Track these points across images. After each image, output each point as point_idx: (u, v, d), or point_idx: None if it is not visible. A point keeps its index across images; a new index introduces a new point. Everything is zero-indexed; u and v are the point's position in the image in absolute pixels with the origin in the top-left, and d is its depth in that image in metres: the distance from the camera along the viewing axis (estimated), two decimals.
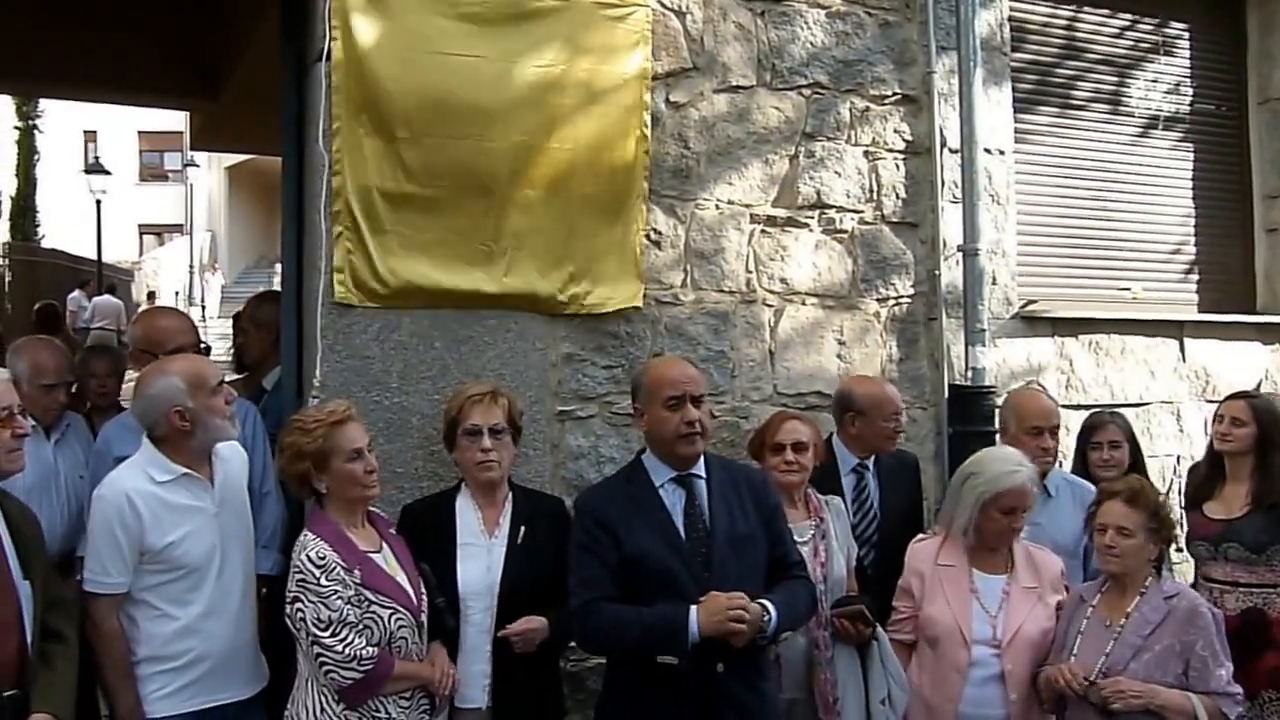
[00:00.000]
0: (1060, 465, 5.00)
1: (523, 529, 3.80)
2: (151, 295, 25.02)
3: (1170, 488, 6.00)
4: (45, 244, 27.28)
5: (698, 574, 3.40)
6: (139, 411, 3.57)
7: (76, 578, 3.60)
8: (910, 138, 5.60)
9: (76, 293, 21.97)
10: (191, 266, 32.64)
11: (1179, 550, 4.79)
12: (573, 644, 4.00)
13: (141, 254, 35.34)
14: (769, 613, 3.34)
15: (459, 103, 4.42)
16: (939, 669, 3.92)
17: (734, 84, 5.14)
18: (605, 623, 3.40)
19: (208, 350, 4.48)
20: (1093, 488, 4.47)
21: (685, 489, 3.53)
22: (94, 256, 24.47)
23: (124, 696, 3.42)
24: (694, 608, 3.29)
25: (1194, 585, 4.59)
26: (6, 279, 21.45)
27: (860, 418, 4.53)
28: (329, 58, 4.23)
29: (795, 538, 3.84)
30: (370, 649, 3.29)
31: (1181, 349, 6.51)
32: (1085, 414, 5.22)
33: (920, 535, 4.27)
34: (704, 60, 5.07)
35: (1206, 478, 4.79)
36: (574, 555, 3.51)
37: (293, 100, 4.59)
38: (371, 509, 3.62)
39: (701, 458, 3.58)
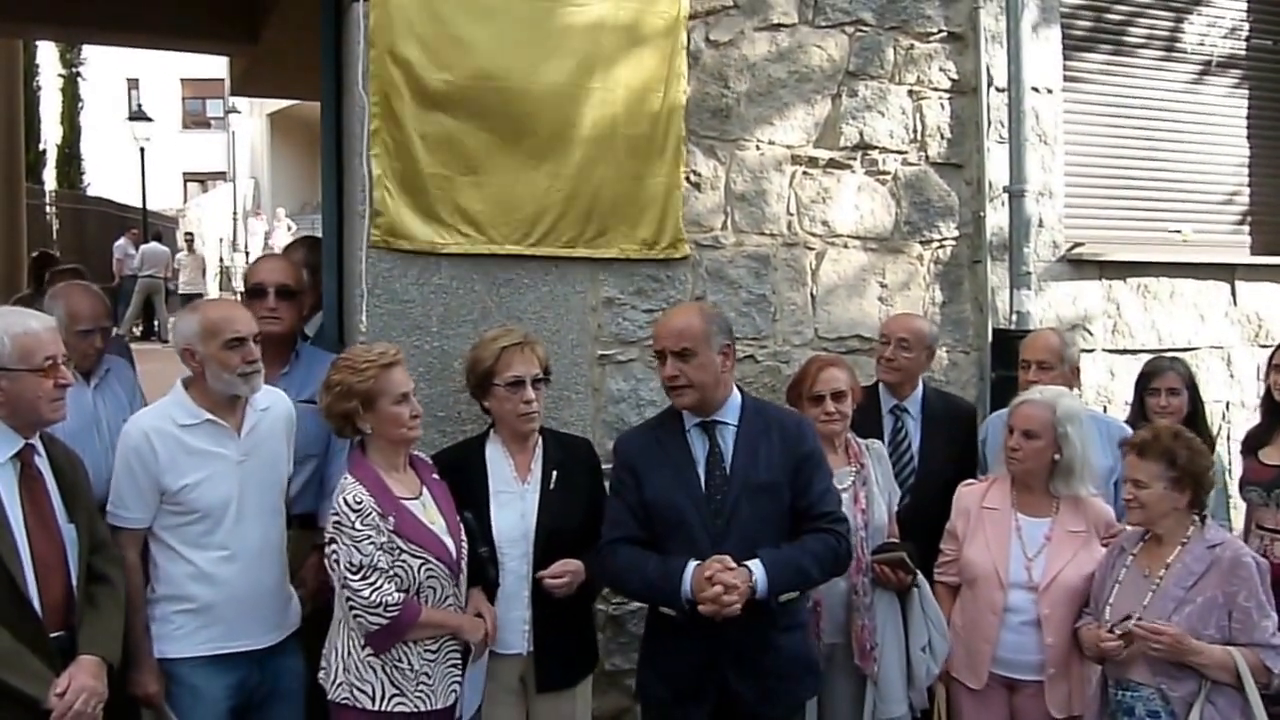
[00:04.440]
0: (1104, 409, 4.92)
1: (555, 474, 3.79)
2: (190, 238, 25.02)
3: (1219, 434, 5.91)
4: (90, 192, 27.43)
5: (709, 522, 3.41)
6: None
7: None
8: (956, 76, 5.49)
9: (123, 240, 22.08)
10: (235, 214, 32.76)
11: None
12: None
13: (186, 201, 35.54)
14: (753, 574, 3.29)
15: (498, 45, 4.38)
16: (976, 611, 3.94)
17: (776, 22, 5.05)
18: (619, 565, 3.50)
19: (296, 293, 4.32)
20: (1125, 427, 4.42)
21: (709, 435, 3.52)
22: (139, 204, 24.60)
23: (131, 631, 3.41)
24: (690, 567, 3.30)
25: (1244, 532, 4.53)
26: (54, 227, 21.63)
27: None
28: None
29: (835, 484, 3.80)
30: (397, 595, 3.30)
31: (1233, 292, 6.40)
32: (1132, 359, 5.15)
33: (969, 480, 4.24)
34: None
35: (1263, 424, 4.69)
36: (608, 496, 3.67)
37: (331, 42, 4.56)
38: (415, 453, 3.63)
39: (737, 402, 3.57)
